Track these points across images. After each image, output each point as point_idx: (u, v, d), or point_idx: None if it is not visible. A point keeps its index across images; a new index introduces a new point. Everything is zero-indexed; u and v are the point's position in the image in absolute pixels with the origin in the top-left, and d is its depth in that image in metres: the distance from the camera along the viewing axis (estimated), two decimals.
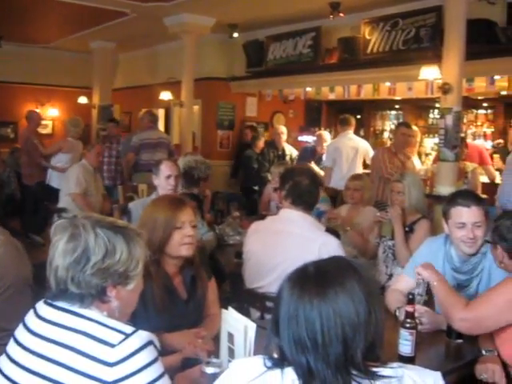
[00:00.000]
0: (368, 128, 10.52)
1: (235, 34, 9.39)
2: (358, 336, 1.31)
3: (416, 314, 2.59)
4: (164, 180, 4.21)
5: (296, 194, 3.15)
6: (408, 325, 2.32)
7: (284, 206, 3.25)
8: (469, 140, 7.87)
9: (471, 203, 2.75)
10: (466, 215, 2.75)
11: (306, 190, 3.14)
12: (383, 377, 1.33)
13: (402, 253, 3.78)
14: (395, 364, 1.42)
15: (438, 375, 1.45)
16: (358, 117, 10.78)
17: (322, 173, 7.17)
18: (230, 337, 2.04)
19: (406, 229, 3.92)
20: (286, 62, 9.13)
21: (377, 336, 1.36)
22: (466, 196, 2.83)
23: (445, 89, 5.16)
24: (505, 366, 2.40)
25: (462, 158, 5.86)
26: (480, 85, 6.58)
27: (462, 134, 6.85)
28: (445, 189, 5.10)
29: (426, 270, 2.57)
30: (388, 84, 7.61)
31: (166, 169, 4.24)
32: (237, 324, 1.99)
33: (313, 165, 7.38)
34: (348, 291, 1.32)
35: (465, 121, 8.22)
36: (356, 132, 9.09)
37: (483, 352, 2.45)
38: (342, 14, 7.73)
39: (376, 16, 7.80)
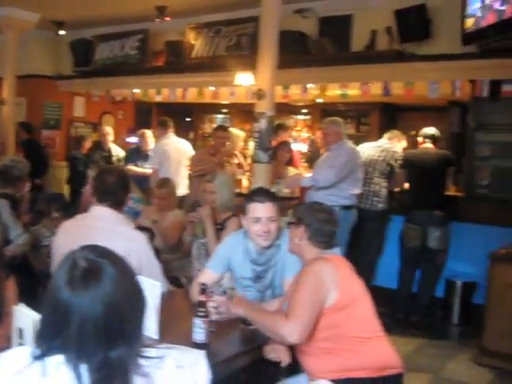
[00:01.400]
0: (197, 131, 10.76)
1: (61, 32, 9.11)
2: (121, 322, 1.39)
3: (214, 304, 2.79)
4: None
5: (101, 191, 3.24)
6: (200, 313, 2.47)
7: (93, 203, 3.33)
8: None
9: (265, 199, 2.99)
10: (261, 210, 2.98)
11: (110, 189, 3.22)
12: (147, 357, 1.44)
13: (214, 249, 3.97)
14: (162, 345, 1.54)
15: (201, 353, 1.58)
16: (188, 120, 11.01)
17: (148, 171, 7.26)
18: (21, 332, 2.07)
19: (218, 226, 4.12)
20: (114, 62, 9.07)
21: (137, 321, 1.46)
22: (261, 193, 3.08)
23: (259, 94, 5.47)
24: (291, 347, 2.64)
25: (285, 162, 6.26)
26: (295, 92, 7.06)
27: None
28: None
29: (236, 309, 2.73)
30: (212, 88, 7.87)
31: None
32: (26, 319, 2.02)
33: (136, 166, 7.46)
34: (109, 280, 1.41)
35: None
36: (185, 135, 9.30)
37: None
38: (168, 18, 7.86)
39: (201, 22, 8.04)
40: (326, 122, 5.90)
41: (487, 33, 5.27)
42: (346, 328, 2.50)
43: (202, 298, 2.51)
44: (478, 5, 5.34)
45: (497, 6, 5.13)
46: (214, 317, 2.74)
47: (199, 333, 2.46)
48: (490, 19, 5.20)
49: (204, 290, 2.54)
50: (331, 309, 2.48)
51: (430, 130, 5.96)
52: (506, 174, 5.76)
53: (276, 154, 6.21)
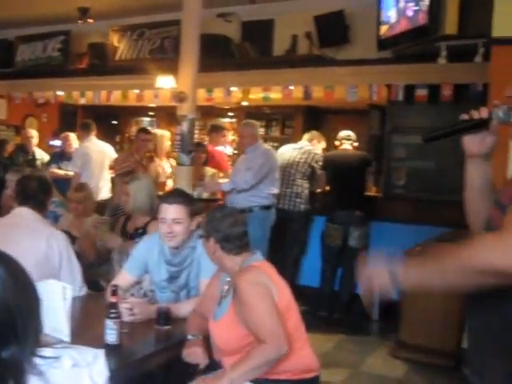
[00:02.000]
0: (123, 134, 10.65)
1: None
2: (11, 322, 1.40)
3: (128, 306, 2.81)
4: None
5: (22, 196, 3.35)
6: (112, 315, 2.48)
7: (15, 206, 3.41)
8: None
9: (174, 201, 3.02)
10: (167, 211, 3.02)
11: (31, 194, 3.33)
12: (42, 357, 1.45)
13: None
14: (59, 345, 1.56)
15: (100, 352, 1.60)
16: (114, 123, 10.89)
17: (70, 174, 7.16)
18: None
19: (140, 231, 4.11)
20: (36, 64, 8.92)
21: (30, 321, 1.46)
22: (172, 195, 3.13)
23: (180, 98, 5.50)
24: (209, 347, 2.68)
25: (202, 163, 6.30)
26: (219, 95, 7.13)
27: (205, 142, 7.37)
28: None
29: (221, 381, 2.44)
30: (136, 91, 7.83)
31: None
32: None
33: (59, 169, 7.34)
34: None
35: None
36: (112, 138, 9.18)
37: (189, 337, 2.68)
38: (91, 20, 7.79)
39: (124, 24, 8.00)
40: (241, 124, 6.01)
41: (401, 39, 5.51)
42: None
43: (113, 299, 2.52)
44: (392, 12, 5.57)
45: (409, 13, 5.37)
46: (128, 318, 2.76)
47: (111, 334, 2.48)
48: (403, 26, 5.44)
49: (115, 291, 2.55)
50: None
51: (347, 133, 6.14)
52: (421, 175, 6.01)
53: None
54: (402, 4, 5.46)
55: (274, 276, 2.62)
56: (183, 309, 2.93)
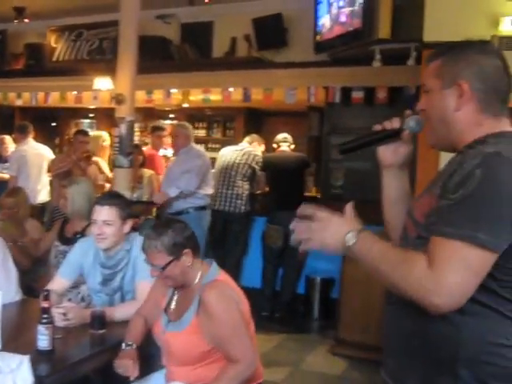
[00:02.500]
0: (63, 136, 10.45)
1: None
2: None
3: (62, 311, 2.78)
4: None
5: None
6: (44, 320, 2.45)
7: None
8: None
9: (105, 203, 3.02)
10: (97, 213, 3.02)
11: None
12: None
13: None
14: None
15: (25, 358, 1.60)
16: (54, 124, 10.67)
17: (7, 176, 7.01)
18: None
19: (78, 235, 4.05)
20: None
21: None
22: (105, 196, 3.13)
23: (118, 99, 5.45)
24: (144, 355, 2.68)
25: (139, 165, 6.25)
26: (159, 97, 7.10)
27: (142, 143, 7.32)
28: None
29: None
30: (74, 93, 7.71)
31: None
32: None
33: None
34: None
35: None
36: (51, 140, 9.00)
37: (123, 346, 2.65)
38: (27, 20, 7.63)
39: (62, 25, 7.87)
40: (175, 125, 6.03)
41: (336, 42, 5.62)
42: None
43: (45, 304, 2.49)
44: (326, 17, 5.68)
45: (344, 17, 5.49)
46: (62, 323, 2.74)
47: (43, 340, 2.44)
48: (339, 30, 5.55)
49: (47, 296, 2.52)
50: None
51: (283, 135, 6.23)
52: (358, 175, 6.14)
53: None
54: (336, 8, 5.58)
55: (236, 288, 2.63)
56: (118, 312, 2.92)
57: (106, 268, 3.09)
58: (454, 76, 1.53)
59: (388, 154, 1.76)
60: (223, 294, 2.48)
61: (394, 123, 1.71)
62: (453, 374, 1.43)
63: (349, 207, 1.58)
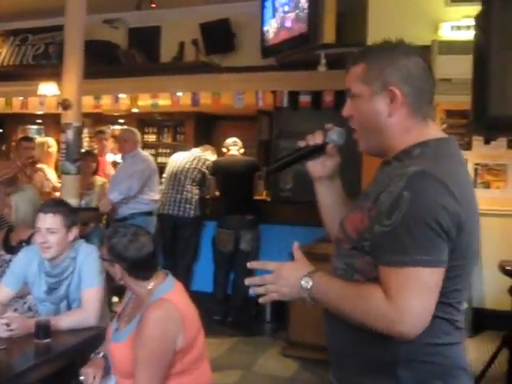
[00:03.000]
0: (10, 142, 10.25)
1: None
2: None
3: (5, 321, 2.74)
4: None
5: None
6: None
7: None
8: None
9: (49, 210, 2.97)
10: (41, 221, 2.97)
11: None
12: None
13: None
14: None
15: None
16: (0, 131, 10.47)
17: None
18: None
19: (23, 244, 3.98)
20: None
21: None
22: (49, 204, 3.08)
23: (64, 105, 5.39)
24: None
25: (92, 172, 6.18)
26: (107, 102, 7.04)
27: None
28: (69, 201, 5.28)
29: None
30: (20, 98, 7.58)
31: None
32: None
33: None
34: None
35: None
36: None
37: (92, 354, 2.65)
38: None
39: (6, 29, 7.73)
40: (123, 130, 6.00)
41: (283, 47, 5.68)
42: (188, 360, 2.47)
43: None
44: (273, 21, 5.74)
45: (290, 23, 5.56)
46: (5, 334, 2.70)
47: None
48: (283, 35, 5.62)
49: None
50: (176, 352, 2.41)
51: (233, 139, 6.25)
52: (306, 179, 6.17)
53: (80, 164, 6.14)
54: (282, 13, 5.64)
55: (184, 307, 2.48)
56: (63, 321, 2.89)
57: (50, 277, 3.05)
58: (384, 81, 1.52)
59: (317, 167, 1.77)
60: (163, 322, 2.36)
61: (316, 138, 1.71)
62: (393, 376, 1.47)
63: (296, 250, 1.61)
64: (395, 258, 1.37)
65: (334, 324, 1.58)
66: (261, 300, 1.60)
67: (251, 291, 1.60)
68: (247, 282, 1.60)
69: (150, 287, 2.49)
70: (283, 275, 1.54)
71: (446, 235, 1.37)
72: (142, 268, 2.50)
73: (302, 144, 1.74)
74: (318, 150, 1.72)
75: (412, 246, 1.35)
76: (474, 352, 4.65)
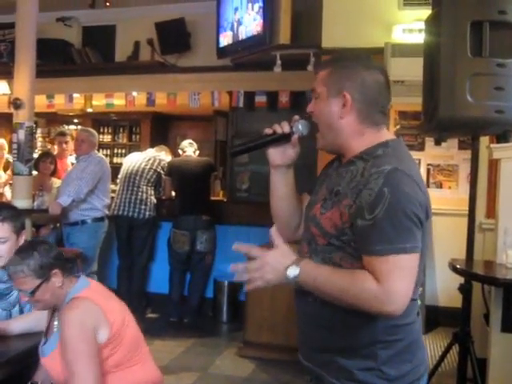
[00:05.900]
0: None
1: None
2: None
3: None
4: None
5: None
6: None
7: None
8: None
9: None
10: None
11: None
12: None
13: None
14: None
15: None
16: None
17: None
18: None
19: None
20: None
21: None
22: None
23: (16, 104, 5.27)
24: None
25: (50, 174, 6.05)
26: (60, 102, 6.92)
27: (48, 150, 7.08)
28: (21, 202, 5.19)
29: None
30: None
31: None
32: None
33: None
34: None
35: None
36: None
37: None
38: None
39: None
40: (81, 130, 5.90)
41: (238, 48, 5.68)
42: (119, 354, 2.43)
43: None
44: (228, 22, 5.74)
45: (246, 23, 5.57)
46: None
47: None
48: (241, 35, 5.62)
49: None
50: (104, 345, 2.38)
51: (188, 141, 6.25)
52: (262, 179, 6.20)
53: (38, 165, 6.02)
54: (238, 14, 5.65)
55: (103, 300, 2.46)
56: (14, 325, 2.81)
57: (1, 282, 2.97)
58: (340, 86, 1.67)
59: (277, 155, 1.84)
60: (77, 318, 2.32)
61: (284, 127, 1.80)
62: (373, 355, 1.62)
63: (277, 236, 1.66)
64: (380, 247, 1.52)
65: (311, 306, 1.69)
66: (246, 288, 1.65)
67: (235, 278, 1.65)
68: (231, 268, 1.64)
69: (66, 292, 2.44)
70: (268, 261, 1.61)
71: (420, 224, 1.56)
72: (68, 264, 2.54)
73: (268, 131, 1.81)
74: (283, 139, 1.80)
75: (395, 236, 1.52)
76: (427, 348, 4.75)
